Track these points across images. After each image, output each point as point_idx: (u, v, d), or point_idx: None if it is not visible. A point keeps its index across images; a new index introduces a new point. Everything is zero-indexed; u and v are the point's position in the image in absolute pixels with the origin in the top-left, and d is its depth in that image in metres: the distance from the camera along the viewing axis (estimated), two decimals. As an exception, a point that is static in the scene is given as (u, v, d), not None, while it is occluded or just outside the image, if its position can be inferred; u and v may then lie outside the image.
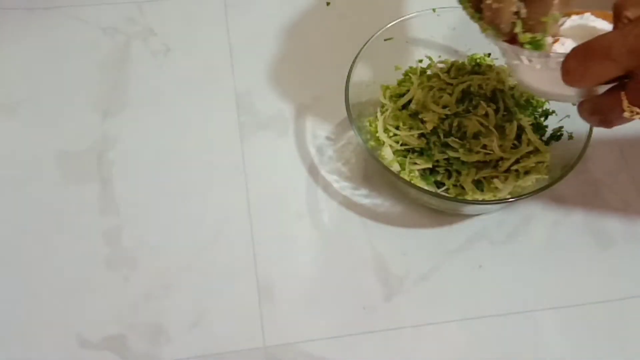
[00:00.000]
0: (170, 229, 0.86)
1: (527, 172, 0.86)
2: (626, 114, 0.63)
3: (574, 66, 0.64)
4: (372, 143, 0.87)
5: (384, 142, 0.87)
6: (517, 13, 0.70)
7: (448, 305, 0.83)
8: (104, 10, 1.02)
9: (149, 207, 0.87)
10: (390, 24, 0.88)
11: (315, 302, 0.82)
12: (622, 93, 0.63)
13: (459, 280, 0.84)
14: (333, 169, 0.90)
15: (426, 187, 0.84)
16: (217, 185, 0.89)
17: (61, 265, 0.83)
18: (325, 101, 0.95)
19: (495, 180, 0.85)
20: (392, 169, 0.85)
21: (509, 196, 0.84)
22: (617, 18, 0.64)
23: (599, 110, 0.66)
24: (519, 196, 0.82)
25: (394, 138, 0.87)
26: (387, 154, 0.86)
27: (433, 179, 0.86)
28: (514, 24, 0.70)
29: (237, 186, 0.89)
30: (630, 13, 0.63)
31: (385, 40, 0.88)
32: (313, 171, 0.90)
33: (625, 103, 0.63)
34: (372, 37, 0.87)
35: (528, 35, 0.70)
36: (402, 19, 0.86)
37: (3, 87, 0.95)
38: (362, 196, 0.89)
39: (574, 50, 0.65)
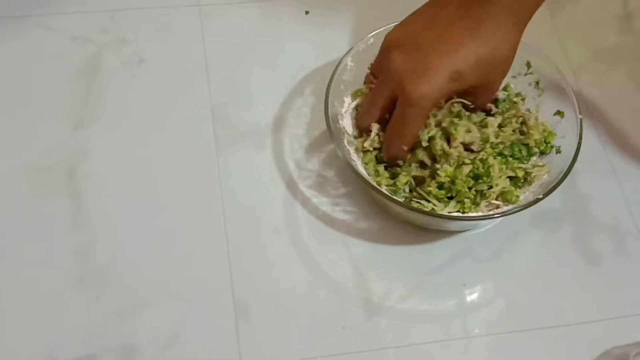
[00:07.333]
0: (144, 245, 0.84)
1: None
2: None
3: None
4: (352, 156, 0.85)
5: (365, 153, 0.86)
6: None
7: (431, 325, 0.82)
8: (75, 19, 1.00)
9: (121, 222, 0.86)
10: (370, 34, 0.88)
11: (293, 321, 0.81)
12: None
13: (442, 299, 0.84)
14: (312, 183, 0.89)
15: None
16: (193, 199, 0.88)
17: (30, 282, 0.81)
18: (304, 113, 0.94)
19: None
20: (373, 183, 0.83)
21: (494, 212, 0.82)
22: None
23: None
24: (504, 212, 0.80)
25: (375, 152, 0.86)
26: (369, 167, 0.85)
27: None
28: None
29: (213, 201, 0.87)
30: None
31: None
32: (291, 186, 0.89)
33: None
34: (351, 49, 0.88)
35: None
36: (383, 28, 0.86)
37: (-31, 97, 0.94)
38: (342, 212, 0.88)
39: None
